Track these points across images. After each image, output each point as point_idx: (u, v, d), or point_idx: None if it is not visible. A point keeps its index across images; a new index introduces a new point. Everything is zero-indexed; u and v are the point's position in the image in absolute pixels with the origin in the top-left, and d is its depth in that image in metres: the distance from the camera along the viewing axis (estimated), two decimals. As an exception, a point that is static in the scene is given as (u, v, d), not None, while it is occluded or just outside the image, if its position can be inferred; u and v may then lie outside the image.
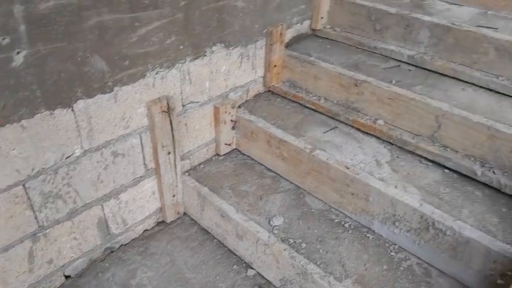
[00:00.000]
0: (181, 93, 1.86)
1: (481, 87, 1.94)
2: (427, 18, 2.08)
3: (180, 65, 1.79)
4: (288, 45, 2.31)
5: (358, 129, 2.03)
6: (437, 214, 1.55)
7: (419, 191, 1.67)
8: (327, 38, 2.43)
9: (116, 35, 1.48)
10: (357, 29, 2.35)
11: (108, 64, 1.50)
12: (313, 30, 2.45)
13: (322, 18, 2.40)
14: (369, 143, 1.95)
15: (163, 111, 1.73)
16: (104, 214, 1.73)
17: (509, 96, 1.87)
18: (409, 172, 1.78)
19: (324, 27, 2.44)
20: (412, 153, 1.87)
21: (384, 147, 1.92)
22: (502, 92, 1.89)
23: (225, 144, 2.18)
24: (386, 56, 2.22)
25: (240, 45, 2.05)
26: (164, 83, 1.75)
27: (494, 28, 1.95)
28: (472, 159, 1.75)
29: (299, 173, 1.96)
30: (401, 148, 1.90)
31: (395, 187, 1.69)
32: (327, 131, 2.03)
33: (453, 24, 2.01)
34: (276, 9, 2.14)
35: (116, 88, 1.56)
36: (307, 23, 2.41)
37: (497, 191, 1.66)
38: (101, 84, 1.51)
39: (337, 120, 2.09)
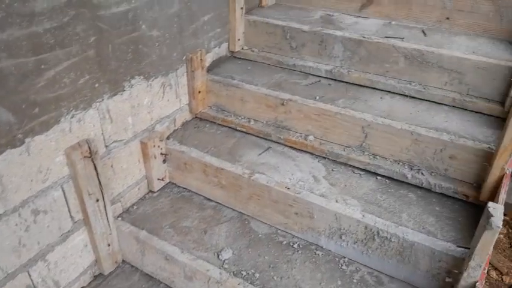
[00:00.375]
0: (102, 133, 1.71)
1: (397, 94, 2.07)
2: (339, 33, 2.18)
3: (98, 104, 1.65)
4: (209, 70, 2.26)
5: (291, 147, 2.04)
6: (379, 223, 1.60)
7: (359, 202, 1.72)
8: (246, 59, 2.43)
9: (20, 82, 1.31)
10: (274, 48, 2.38)
11: (15, 115, 1.32)
12: (232, 52, 2.44)
13: (239, 40, 2.39)
14: (303, 159, 1.97)
15: (85, 156, 1.57)
16: (32, 280, 1.52)
17: (423, 100, 2.01)
18: (346, 184, 1.82)
19: (242, 49, 2.44)
20: (345, 164, 1.93)
21: (318, 162, 1.96)
22: (417, 97, 2.03)
23: (158, 179, 2.06)
24: (305, 73, 2.27)
25: (161, 75, 1.95)
26: (82, 126, 1.59)
27: (401, 38, 2.09)
28: (401, 163, 1.84)
29: (240, 199, 1.91)
30: (335, 161, 1.95)
31: (336, 201, 1.71)
32: (262, 153, 2.01)
33: (363, 37, 2.12)
34: (192, 35, 2.08)
35: (27, 140, 1.38)
36: (225, 45, 2.39)
37: (428, 190, 1.77)
38: (9, 139, 1.32)
39: (269, 140, 2.09)
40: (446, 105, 1.97)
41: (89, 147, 1.58)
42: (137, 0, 1.69)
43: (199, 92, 2.18)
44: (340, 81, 2.19)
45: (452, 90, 1.99)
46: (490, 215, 1.29)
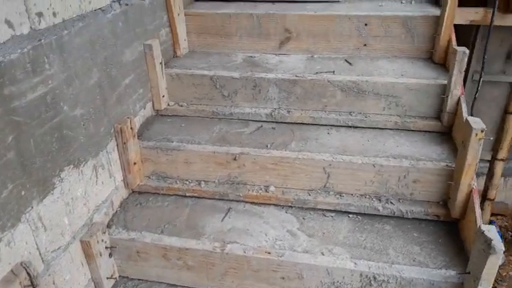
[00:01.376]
0: (38, 248, 1.36)
1: (341, 126, 2.06)
2: (271, 75, 2.12)
3: (28, 214, 1.30)
4: (140, 136, 2.01)
5: (253, 203, 1.89)
6: (373, 267, 1.53)
7: (344, 248, 1.63)
8: (176, 115, 2.22)
9: None
10: (204, 99, 2.22)
11: None
12: (158, 111, 2.21)
13: (163, 96, 2.18)
14: (271, 214, 1.83)
15: (25, 286, 1.22)
16: None
17: (367, 128, 2.04)
18: (323, 232, 1.73)
19: (168, 105, 2.23)
20: (314, 209, 1.84)
21: (286, 212, 1.84)
22: (360, 126, 2.05)
23: (107, 278, 1.72)
24: (245, 120, 2.16)
25: (91, 157, 1.65)
26: (13, 247, 1.24)
27: (331, 71, 2.11)
28: (368, 197, 1.82)
29: (213, 276, 1.69)
30: (303, 208, 1.85)
31: (323, 254, 1.61)
32: (224, 217, 1.82)
33: (296, 76, 2.09)
34: (117, 103, 1.82)
35: None
36: (149, 105, 2.16)
37: (401, 218, 1.76)
38: None
39: (227, 200, 1.91)
40: (390, 129, 2.02)
41: (28, 273, 1.23)
42: (54, 79, 1.40)
43: (135, 163, 1.91)
44: (283, 122, 2.12)
45: (391, 114, 2.05)
46: (488, 240, 1.30)
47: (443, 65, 2.16)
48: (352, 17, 2.25)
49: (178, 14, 2.33)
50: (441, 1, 2.30)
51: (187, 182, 1.97)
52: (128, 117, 1.87)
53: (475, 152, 1.52)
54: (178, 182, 1.98)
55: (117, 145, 1.84)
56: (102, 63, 1.69)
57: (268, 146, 1.93)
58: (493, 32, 2.70)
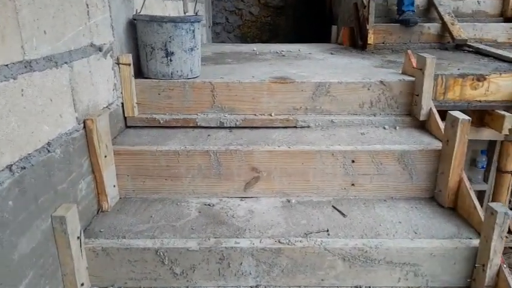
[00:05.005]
0: None
1: (347, 310, 1.48)
2: (244, 243, 1.51)
3: None
4: None
5: None
6: None
7: None
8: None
9: None
10: (145, 280, 1.52)
11: None
12: (75, 306, 1.45)
13: (82, 285, 1.45)
14: None
15: None
16: None
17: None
18: None
19: (91, 294, 1.48)
20: None
21: None
22: (375, 310, 1.48)
23: None
24: (209, 309, 1.48)
25: None
26: None
27: (325, 230, 1.57)
28: None
29: None
30: None
31: None
32: None
33: (280, 242, 1.51)
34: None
35: None
36: (60, 304, 1.40)
37: None
38: None
39: None
40: (412, 310, 1.49)
41: None
42: None
43: None
44: (265, 309, 1.48)
45: (409, 286, 1.52)
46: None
47: (452, 208, 1.74)
48: (336, 153, 1.78)
49: (105, 156, 1.69)
50: (431, 128, 1.96)
51: None
52: None
53: None
54: None
55: None
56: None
57: None
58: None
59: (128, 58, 1.98)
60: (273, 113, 2.11)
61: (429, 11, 4.03)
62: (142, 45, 2.09)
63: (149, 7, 2.55)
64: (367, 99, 2.10)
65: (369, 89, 2.09)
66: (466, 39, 3.50)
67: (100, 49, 1.79)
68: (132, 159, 1.79)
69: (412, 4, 3.72)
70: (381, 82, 2.08)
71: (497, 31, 3.72)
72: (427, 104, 2.00)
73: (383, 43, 3.74)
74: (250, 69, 2.52)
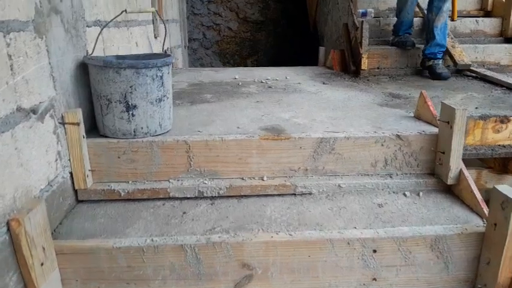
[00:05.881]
0: None
1: None
2: None
3: None
4: None
5: None
6: None
7: None
8: None
9: None
10: None
11: None
12: None
13: None
14: None
15: None
16: None
17: None
18: None
19: None
20: None
21: None
22: None
23: None
24: None
25: None
26: None
27: None
28: None
29: None
30: None
31: None
32: None
33: None
34: None
35: None
36: None
37: None
38: None
39: None
40: None
41: None
42: None
43: None
44: None
45: None
46: None
47: (504, 309, 1.35)
48: (353, 241, 1.37)
49: (42, 264, 1.22)
50: (462, 195, 1.57)
51: None
52: None
53: None
54: None
55: None
56: None
57: None
58: None
59: (76, 116, 1.52)
60: (265, 176, 1.69)
61: (424, 31, 3.70)
62: (96, 96, 1.63)
63: (109, 39, 2.09)
64: (381, 156, 1.70)
65: (382, 145, 1.69)
66: (470, 64, 3.17)
67: (34, 111, 1.32)
68: (82, 260, 1.33)
69: (410, 27, 3.37)
70: (397, 136, 1.69)
71: (500, 53, 3.42)
72: (456, 164, 1.61)
73: (378, 68, 3.38)
74: (233, 113, 2.09)
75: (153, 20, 3.15)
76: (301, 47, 6.15)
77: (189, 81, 3.09)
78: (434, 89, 2.76)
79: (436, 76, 3.04)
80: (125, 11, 1.69)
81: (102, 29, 1.76)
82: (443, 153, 1.64)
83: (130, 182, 1.66)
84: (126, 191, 1.61)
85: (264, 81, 3.07)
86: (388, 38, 3.61)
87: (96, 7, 1.94)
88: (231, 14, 6.48)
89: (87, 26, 1.82)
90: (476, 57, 3.42)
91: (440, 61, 3.07)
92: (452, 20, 3.68)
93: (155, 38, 3.22)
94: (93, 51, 1.66)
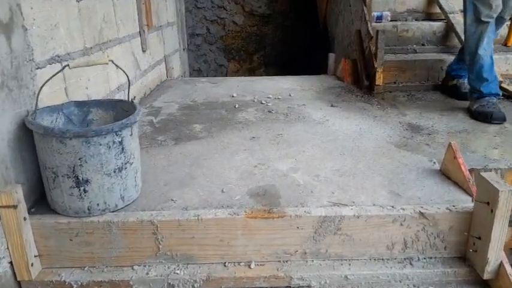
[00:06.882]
0: None
1: None
2: None
3: None
4: None
5: None
6: None
7: None
8: None
9: None
10: None
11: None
12: None
13: None
14: None
15: None
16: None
17: None
18: None
19: None
20: None
21: None
22: None
23: None
24: None
25: None
26: None
27: None
28: None
29: None
30: None
31: None
32: None
33: None
34: None
35: None
36: None
37: None
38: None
39: None
40: None
41: None
42: None
43: None
44: None
45: None
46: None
47: None
48: None
49: None
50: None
51: None
52: None
53: None
54: None
55: None
56: None
57: None
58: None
59: (12, 197, 1.20)
60: (252, 261, 1.36)
61: (447, 38, 3.25)
62: (42, 165, 1.31)
63: (74, 75, 1.76)
64: (399, 238, 1.35)
65: (402, 224, 1.34)
66: (501, 81, 2.75)
67: None
68: None
69: (495, 76, 2.38)
70: (421, 214, 1.33)
71: (537, 65, 2.98)
72: (496, 256, 1.26)
73: (394, 83, 2.98)
74: (221, 160, 1.75)
75: (140, 32, 2.79)
76: (312, 40, 5.70)
77: (180, 102, 2.75)
78: (461, 115, 2.37)
79: (461, 97, 2.63)
80: (68, 66, 1.33)
81: (57, 72, 1.40)
82: (480, 238, 1.28)
83: (86, 268, 1.35)
84: (80, 283, 1.30)
85: (264, 101, 2.71)
86: (406, 45, 3.19)
87: (53, 40, 1.60)
88: (236, 7, 6.05)
89: (38, 68, 1.48)
90: (507, 70, 2.99)
91: (466, 80, 2.62)
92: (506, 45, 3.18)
93: (143, 52, 2.87)
94: (35, 108, 1.32)
